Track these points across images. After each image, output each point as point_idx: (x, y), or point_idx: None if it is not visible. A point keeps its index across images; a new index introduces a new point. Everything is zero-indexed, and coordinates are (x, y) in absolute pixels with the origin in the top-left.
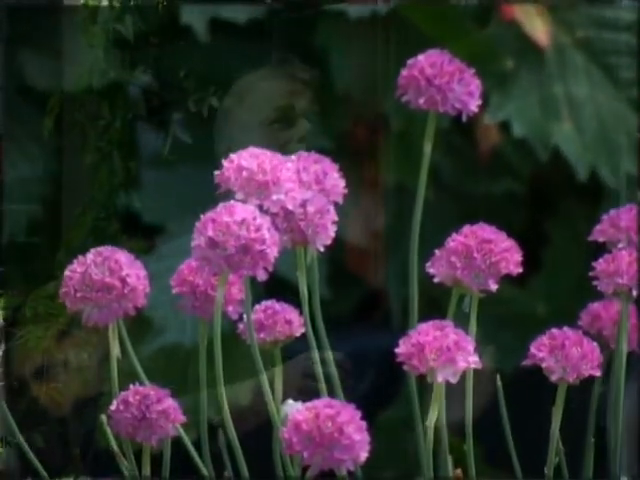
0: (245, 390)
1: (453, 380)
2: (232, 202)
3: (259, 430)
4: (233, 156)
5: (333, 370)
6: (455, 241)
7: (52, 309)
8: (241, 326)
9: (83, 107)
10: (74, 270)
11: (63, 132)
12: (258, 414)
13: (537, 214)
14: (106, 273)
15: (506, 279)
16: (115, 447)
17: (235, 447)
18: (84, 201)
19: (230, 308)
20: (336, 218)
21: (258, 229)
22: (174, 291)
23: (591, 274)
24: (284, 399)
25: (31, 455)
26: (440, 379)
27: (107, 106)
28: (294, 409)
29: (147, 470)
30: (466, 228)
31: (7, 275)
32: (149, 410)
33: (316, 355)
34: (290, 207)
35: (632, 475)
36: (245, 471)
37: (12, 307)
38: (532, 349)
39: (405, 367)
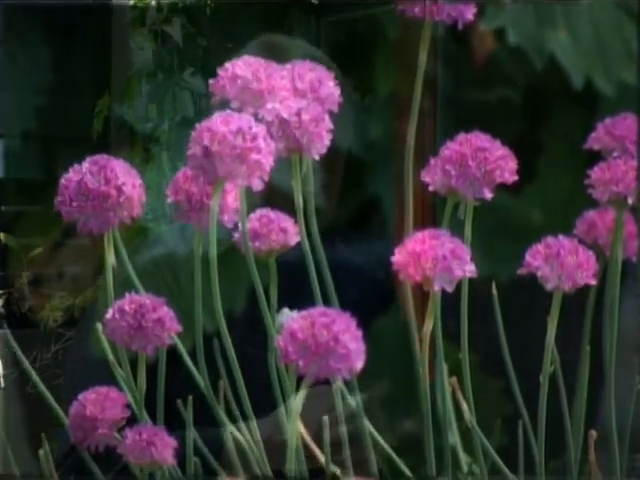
0: (240, 298)
1: (449, 289)
2: (228, 111)
3: (254, 338)
4: (227, 65)
5: None
6: (449, 149)
7: None
8: (236, 235)
9: (131, 109)
10: (70, 179)
11: (111, 134)
12: (252, 322)
13: (532, 123)
14: (102, 182)
15: (501, 188)
16: (110, 356)
17: (230, 357)
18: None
19: (225, 217)
20: (331, 126)
21: (254, 138)
22: (169, 200)
23: (586, 182)
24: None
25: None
26: (436, 288)
27: (155, 108)
28: (289, 318)
29: (142, 379)
30: (461, 136)
31: (58, 277)
32: (145, 319)
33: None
34: (285, 115)
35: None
36: (240, 380)
37: (62, 309)
38: (527, 257)
39: (401, 276)
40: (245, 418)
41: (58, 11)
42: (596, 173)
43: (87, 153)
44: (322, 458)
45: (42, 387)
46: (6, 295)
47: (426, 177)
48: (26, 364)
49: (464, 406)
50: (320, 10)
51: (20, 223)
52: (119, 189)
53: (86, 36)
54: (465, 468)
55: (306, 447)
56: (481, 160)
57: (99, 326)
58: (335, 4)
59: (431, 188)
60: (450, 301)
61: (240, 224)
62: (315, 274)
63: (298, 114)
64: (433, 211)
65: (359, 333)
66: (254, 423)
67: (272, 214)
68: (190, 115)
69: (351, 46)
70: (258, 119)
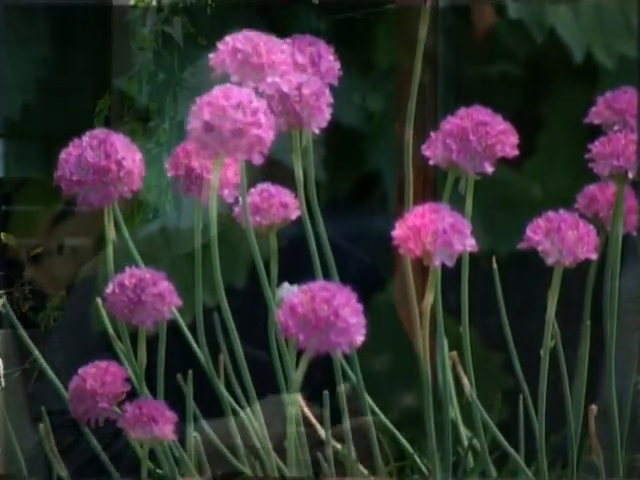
0: (241, 274)
1: (449, 263)
2: (228, 85)
3: (255, 312)
4: (228, 38)
5: None
6: (450, 123)
7: None
8: (236, 209)
9: (132, 109)
10: (69, 153)
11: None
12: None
13: (533, 97)
14: (102, 156)
15: (502, 162)
16: (110, 330)
17: (231, 330)
18: (133, 203)
19: (225, 191)
20: (331, 100)
21: (254, 113)
22: (169, 174)
23: (587, 156)
24: None
25: None
26: (436, 262)
27: (155, 108)
28: (290, 292)
29: (142, 353)
30: (462, 110)
31: (56, 276)
32: (145, 293)
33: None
34: (285, 89)
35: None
36: (241, 354)
37: (63, 308)
38: (528, 232)
39: (401, 250)
40: (246, 394)
41: (57, 10)
42: (597, 147)
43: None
44: (322, 433)
45: (42, 361)
46: (6, 295)
47: (427, 151)
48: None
49: (464, 380)
50: (322, 9)
51: (19, 222)
52: (119, 163)
53: (86, 36)
54: (465, 442)
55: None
56: (482, 134)
57: (99, 300)
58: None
59: (432, 162)
60: (450, 275)
61: (240, 198)
62: (315, 248)
63: (298, 88)
64: (434, 185)
65: (359, 307)
66: (254, 397)
67: (272, 188)
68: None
69: (352, 23)
70: (258, 93)
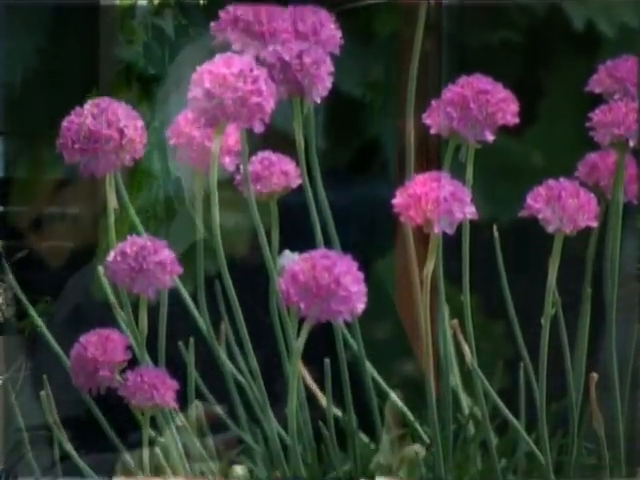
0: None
1: (450, 231)
2: (229, 53)
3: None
4: (229, 7)
5: None
6: (451, 91)
7: None
8: (237, 177)
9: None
10: (71, 121)
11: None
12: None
13: (534, 66)
14: (103, 124)
15: (502, 130)
16: (112, 298)
17: (232, 298)
18: (121, 205)
19: (226, 160)
20: (332, 69)
21: (255, 81)
22: (170, 142)
23: (587, 125)
24: None
25: None
26: (437, 230)
27: (146, 105)
28: (291, 260)
29: (144, 321)
30: (462, 79)
31: (43, 282)
32: (146, 261)
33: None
34: (286, 58)
35: None
36: (242, 323)
37: (48, 314)
38: (528, 200)
39: (402, 218)
40: (247, 360)
41: (43, 2)
42: (597, 116)
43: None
44: (323, 401)
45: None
46: None
47: (428, 119)
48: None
49: (465, 348)
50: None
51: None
52: (121, 131)
53: (72, 28)
54: (466, 410)
55: None
56: (483, 102)
57: (100, 268)
58: None
59: (433, 130)
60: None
61: (241, 166)
62: (316, 216)
63: (299, 56)
64: (435, 154)
65: (360, 275)
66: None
67: (273, 156)
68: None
69: None
70: (259, 61)
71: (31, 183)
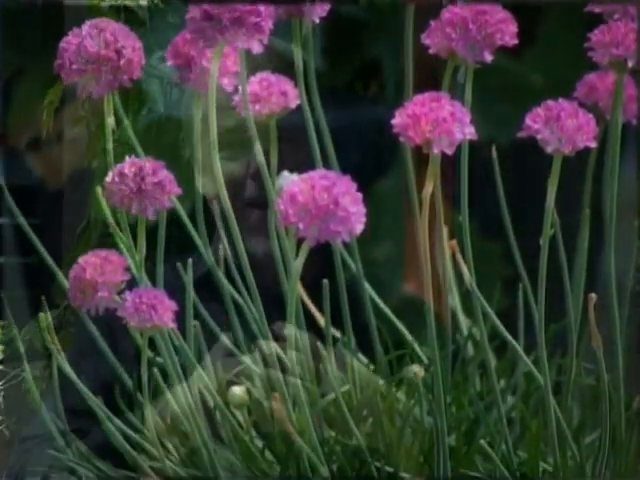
0: (240, 163)
1: (449, 151)
2: None
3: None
4: None
5: None
6: (450, 12)
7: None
8: (236, 98)
9: (88, 100)
10: (69, 42)
11: (64, 130)
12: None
13: None
14: (101, 45)
15: (501, 51)
16: (110, 219)
17: (230, 218)
18: (89, 215)
19: (225, 80)
20: None
21: (253, 0)
22: (168, 63)
23: (586, 45)
24: None
25: None
26: (436, 150)
27: (117, 100)
28: (289, 181)
29: (142, 242)
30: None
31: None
32: (144, 182)
33: None
34: None
35: None
36: (239, 241)
37: (3, 342)
38: (527, 120)
39: (401, 138)
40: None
41: None
42: (596, 36)
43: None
44: (322, 320)
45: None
46: None
47: (427, 40)
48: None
49: (464, 269)
50: None
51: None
52: (119, 52)
53: (32, 11)
54: (465, 331)
55: None
56: (482, 23)
57: (99, 189)
58: None
59: (432, 51)
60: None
61: (240, 87)
62: (315, 137)
63: None
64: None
65: (359, 196)
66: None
67: (272, 77)
68: (159, 109)
69: None
70: None
71: None
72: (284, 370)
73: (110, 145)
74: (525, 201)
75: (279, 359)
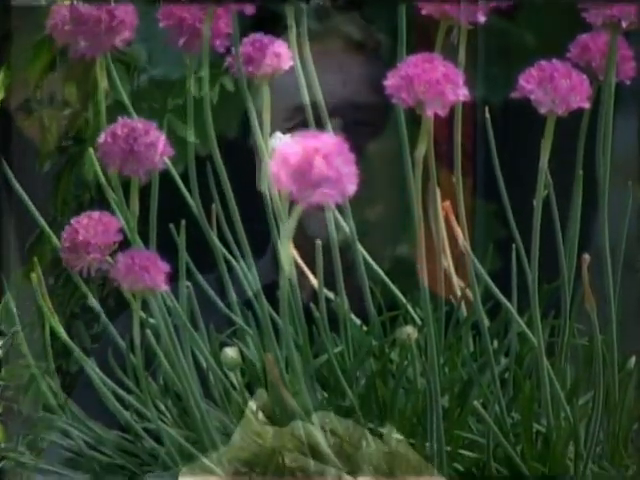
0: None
1: (442, 113)
2: None
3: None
4: None
5: None
6: None
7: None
8: (229, 60)
9: (40, 89)
10: (62, 3)
11: (11, 125)
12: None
13: None
14: (94, 5)
15: (494, 11)
16: (102, 179)
17: (223, 181)
18: (40, 226)
19: (217, 42)
20: None
21: None
22: (161, 25)
23: (579, 6)
24: None
25: None
26: (429, 112)
27: (75, 88)
28: (282, 143)
29: (135, 203)
30: None
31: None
32: (137, 142)
33: None
34: None
35: None
36: (234, 205)
37: None
38: (520, 81)
39: (394, 100)
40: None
41: None
42: None
43: None
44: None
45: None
46: None
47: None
48: None
49: (457, 230)
50: None
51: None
52: (111, 13)
53: None
54: (458, 292)
55: None
56: None
57: (91, 150)
58: None
59: (424, 12)
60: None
61: (233, 48)
62: (308, 98)
63: None
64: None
65: (352, 156)
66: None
67: (265, 38)
68: (125, 99)
69: None
70: None
71: None
72: (277, 330)
73: (103, 107)
74: (519, 161)
75: (272, 319)
